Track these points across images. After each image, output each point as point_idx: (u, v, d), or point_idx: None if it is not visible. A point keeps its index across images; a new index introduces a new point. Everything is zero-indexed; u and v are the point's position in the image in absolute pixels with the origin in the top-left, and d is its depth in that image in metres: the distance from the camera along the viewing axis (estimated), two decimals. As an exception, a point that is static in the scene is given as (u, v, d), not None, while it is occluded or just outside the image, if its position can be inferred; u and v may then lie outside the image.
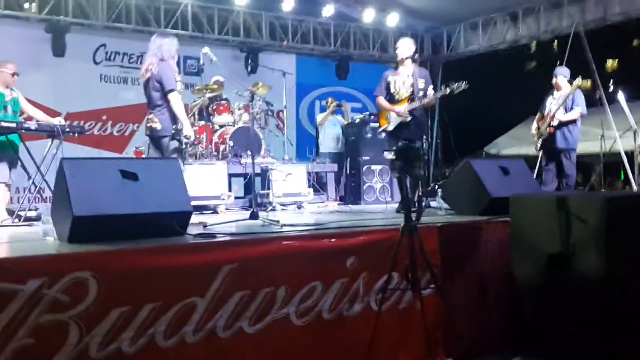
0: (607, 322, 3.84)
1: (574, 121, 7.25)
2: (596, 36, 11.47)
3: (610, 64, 30.21)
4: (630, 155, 9.13)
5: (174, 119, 5.40)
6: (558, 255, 4.05)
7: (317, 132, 10.08)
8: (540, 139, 7.39)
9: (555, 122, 7.22)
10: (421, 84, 6.17)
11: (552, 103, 7.40)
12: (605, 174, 11.24)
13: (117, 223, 3.49)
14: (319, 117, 10.18)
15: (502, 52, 12.95)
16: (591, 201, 4.06)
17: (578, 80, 7.23)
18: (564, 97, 7.24)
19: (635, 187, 8.40)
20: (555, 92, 7.45)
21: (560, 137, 7.25)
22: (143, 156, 8.70)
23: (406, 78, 6.19)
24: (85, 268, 2.84)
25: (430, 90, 6.17)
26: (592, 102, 9.57)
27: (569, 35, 10.49)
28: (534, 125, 7.52)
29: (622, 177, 10.69)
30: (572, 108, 7.23)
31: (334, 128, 9.88)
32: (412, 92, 6.14)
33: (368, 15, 11.98)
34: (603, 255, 3.84)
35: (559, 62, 10.22)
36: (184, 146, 5.52)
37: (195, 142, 5.74)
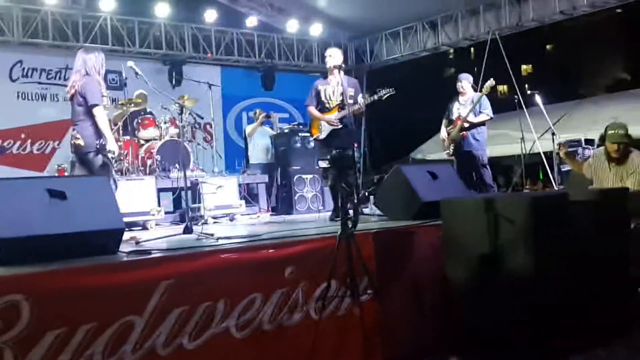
0: (538, 320, 3.99)
1: (482, 124, 7.47)
2: (512, 42, 11.96)
3: (525, 68, 31.53)
4: (549, 156, 9.55)
5: (98, 134, 5.27)
6: (488, 256, 4.17)
7: (247, 144, 10.02)
8: (452, 144, 7.53)
9: (466, 125, 7.37)
10: (351, 92, 6.25)
11: (459, 108, 7.56)
12: (526, 175, 11.71)
13: (47, 243, 3.37)
14: (248, 128, 10.14)
15: (423, 59, 13.32)
16: (517, 202, 4.22)
17: (491, 82, 7.43)
18: (476, 100, 7.41)
19: (555, 187, 8.77)
20: (460, 98, 7.62)
21: (472, 140, 7.43)
22: (66, 174, 8.45)
23: (336, 87, 6.26)
24: (16, 291, 2.73)
25: (360, 99, 6.26)
26: (510, 105, 9.96)
27: (487, 42, 10.89)
28: (443, 131, 7.63)
29: (541, 177, 11.14)
30: (480, 112, 7.44)
31: (263, 139, 9.86)
32: (342, 101, 6.20)
33: (292, 26, 12.07)
34: (531, 254, 3.99)
35: (476, 69, 10.60)
36: (110, 162, 5.39)
37: (120, 158, 5.60)
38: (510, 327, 4.05)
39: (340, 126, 6.18)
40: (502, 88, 25.57)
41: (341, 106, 6.20)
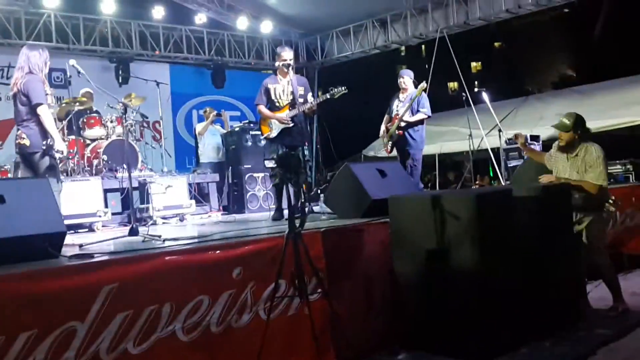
0: (485, 313, 4.06)
1: (420, 123, 7.40)
2: (461, 39, 12.14)
3: (474, 65, 32.08)
4: (496, 152, 9.73)
5: (44, 134, 5.11)
6: (436, 251, 4.23)
7: (197, 142, 9.91)
8: (390, 141, 7.47)
9: (402, 124, 7.30)
10: (301, 90, 6.23)
11: (398, 105, 7.48)
12: (474, 171, 11.92)
13: (-16, 249, 3.26)
14: (198, 126, 10.03)
15: (374, 57, 13.40)
16: (462, 199, 4.29)
17: (423, 84, 7.40)
18: (410, 99, 7.35)
19: (503, 182, 8.94)
20: (400, 94, 7.53)
21: (408, 139, 7.35)
22: (9, 175, 8.18)
23: (286, 86, 6.23)
24: (-50, 299, 2.63)
25: (310, 97, 6.24)
26: (458, 102, 10.11)
27: (434, 40, 11.03)
28: (382, 127, 7.54)
29: (491, 173, 11.34)
30: (418, 111, 7.36)
31: (214, 137, 9.77)
32: (293, 99, 6.19)
33: (242, 23, 11.98)
34: (477, 249, 4.06)
35: (427, 66, 10.73)
36: (56, 162, 5.23)
37: (69, 157, 5.44)
38: (457, 320, 4.12)
39: (292, 124, 6.16)
40: (453, 85, 25.99)
41: (292, 105, 6.18)
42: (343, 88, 6.12)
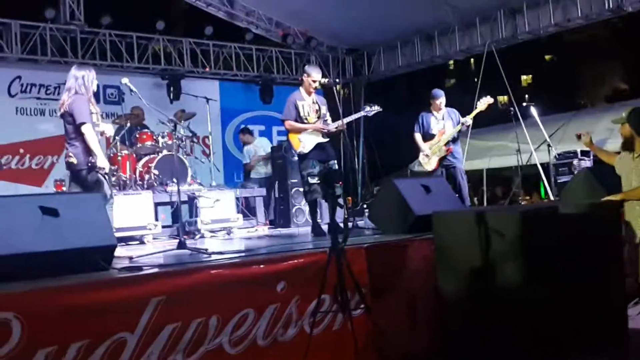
0: (529, 331, 4.01)
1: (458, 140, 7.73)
2: (511, 53, 12.03)
3: (524, 79, 31.63)
4: (545, 167, 9.59)
5: (89, 152, 5.29)
6: (479, 269, 4.20)
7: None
8: (437, 157, 7.60)
9: (450, 139, 7.56)
10: (323, 109, 6.38)
11: (437, 123, 7.68)
12: (523, 186, 11.74)
13: (39, 261, 3.40)
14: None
15: (421, 72, 13.36)
16: (507, 215, 4.25)
17: (490, 99, 7.64)
18: (453, 114, 7.66)
19: (552, 198, 8.80)
20: (435, 112, 7.72)
21: (455, 154, 7.63)
22: (64, 189, 8.48)
23: (312, 104, 6.34)
24: (7, 309, 2.75)
25: (329, 116, 6.37)
26: (507, 117, 10.01)
27: (483, 54, 10.96)
28: (425, 145, 7.67)
29: (542, 190, 11.14)
30: (457, 124, 7.61)
31: (263, 153, 9.96)
32: (319, 117, 6.29)
33: (289, 40, 12.13)
34: (521, 267, 4.01)
35: (476, 79, 10.67)
36: (104, 177, 5.39)
37: (113, 173, 5.59)
38: (500, 338, 4.07)
39: (326, 139, 6.24)
40: (503, 99, 25.68)
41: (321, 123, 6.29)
42: (377, 107, 6.29)
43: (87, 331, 2.97)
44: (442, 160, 7.58)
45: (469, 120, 7.56)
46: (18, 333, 2.75)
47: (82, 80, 5.32)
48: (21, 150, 9.85)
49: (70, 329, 2.93)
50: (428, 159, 7.64)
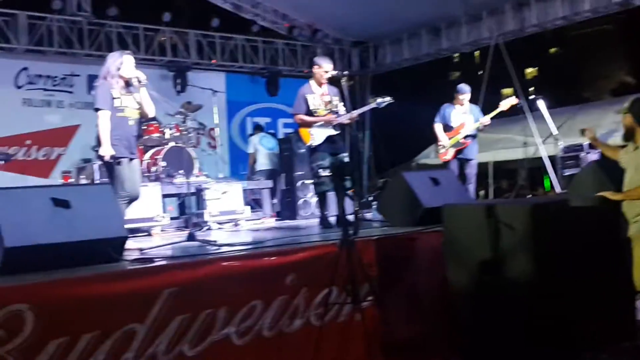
0: (538, 326, 4.00)
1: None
2: (517, 45, 11.96)
3: (530, 72, 31.52)
4: (552, 160, 9.55)
5: (117, 141, 5.18)
6: (489, 262, 4.20)
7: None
8: (453, 148, 7.76)
9: (472, 133, 7.75)
10: (335, 100, 6.31)
11: (458, 116, 7.84)
12: (529, 180, 11.71)
13: (51, 252, 3.43)
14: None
15: (427, 64, 13.32)
16: (518, 208, 4.24)
17: (514, 100, 7.95)
18: (475, 110, 7.87)
19: (558, 191, 8.77)
20: (458, 106, 7.88)
21: (472, 148, 7.83)
22: (71, 180, 8.50)
23: (322, 95, 6.29)
24: (20, 300, 2.78)
25: (342, 107, 6.31)
26: (514, 110, 9.98)
27: (488, 47, 10.91)
28: (444, 136, 7.80)
29: (547, 184, 11.13)
30: (477, 120, 7.83)
31: (268, 145, 9.98)
32: (330, 110, 6.25)
33: (296, 32, 12.11)
34: (531, 261, 4.01)
35: (481, 72, 10.64)
36: (114, 168, 5.27)
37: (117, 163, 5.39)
38: (510, 332, 4.07)
39: (337, 132, 6.22)
40: (508, 91, 25.58)
41: (333, 114, 6.25)
42: (389, 98, 6.21)
43: (98, 322, 3.00)
44: (458, 152, 7.75)
45: (487, 119, 7.74)
46: (31, 324, 2.77)
47: (107, 66, 5.26)
48: (28, 142, 9.86)
49: (82, 320, 2.96)
50: (445, 150, 7.74)
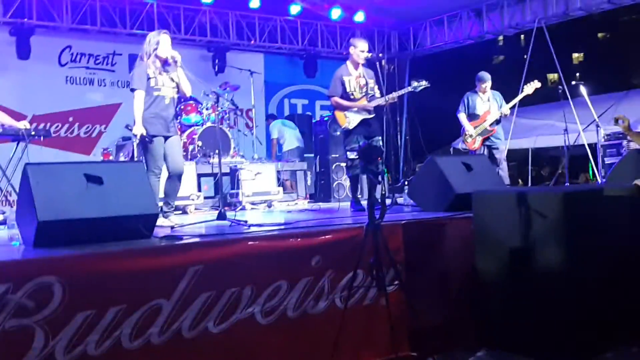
0: (569, 316, 3.94)
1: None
2: (562, 30, 11.69)
3: (576, 57, 30.74)
4: (593, 148, 9.35)
5: (150, 119, 5.24)
6: (519, 250, 4.14)
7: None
8: (481, 136, 7.75)
9: (497, 119, 7.77)
10: (371, 83, 6.27)
11: (482, 104, 7.82)
12: (571, 167, 11.49)
13: (83, 227, 3.51)
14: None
15: (469, 47, 13.11)
16: (550, 196, 4.17)
17: (537, 83, 7.80)
18: (498, 97, 7.86)
19: (599, 180, 8.60)
20: (482, 94, 7.84)
21: (499, 134, 7.86)
22: (111, 157, 8.68)
23: (359, 78, 6.24)
24: (50, 273, 2.85)
25: (377, 90, 6.26)
26: (555, 95, 9.78)
27: (532, 30, 10.68)
28: (469, 125, 7.77)
29: (591, 172, 10.90)
30: (500, 106, 7.83)
31: (294, 131, 10.11)
32: (366, 92, 6.21)
33: (335, 13, 12.03)
34: (562, 249, 3.94)
35: (525, 56, 10.43)
36: (149, 146, 5.34)
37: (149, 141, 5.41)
38: (540, 321, 4.02)
39: (372, 115, 6.19)
40: (552, 77, 25.03)
41: (369, 97, 6.20)
42: (425, 82, 6.16)
43: (125, 297, 3.06)
44: (485, 140, 7.75)
45: (506, 110, 7.74)
46: (59, 296, 2.85)
47: (145, 46, 5.31)
48: (70, 119, 10.08)
49: (109, 294, 3.02)
50: (472, 139, 7.69)
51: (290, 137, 9.96)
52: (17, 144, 6.21)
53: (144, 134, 5.09)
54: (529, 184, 12.44)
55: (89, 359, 2.93)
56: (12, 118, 6.52)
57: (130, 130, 5.38)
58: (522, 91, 7.87)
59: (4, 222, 5.78)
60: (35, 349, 2.79)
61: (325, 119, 9.52)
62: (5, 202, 7.54)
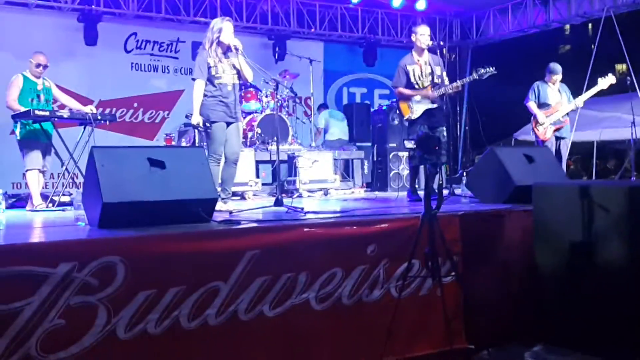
0: (629, 313, 3.84)
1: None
2: (633, 19, 11.25)
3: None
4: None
5: (209, 107, 5.36)
6: (581, 245, 4.04)
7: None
8: (552, 127, 7.55)
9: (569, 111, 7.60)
10: (437, 70, 6.16)
11: (554, 94, 7.60)
12: (637, 160, 11.09)
13: (145, 209, 3.61)
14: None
15: (532, 36, 12.78)
16: (614, 190, 4.05)
17: (613, 78, 7.54)
18: (566, 90, 7.67)
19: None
20: (552, 84, 7.63)
21: (569, 126, 7.72)
22: (173, 143, 8.87)
23: (424, 66, 6.16)
24: (114, 253, 2.95)
25: (445, 77, 6.16)
26: (623, 87, 9.45)
27: (600, 19, 10.33)
28: (542, 114, 7.53)
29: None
30: (569, 99, 7.65)
31: (342, 122, 10.06)
32: (432, 80, 6.12)
33: (396, 1, 11.92)
34: (626, 245, 3.83)
35: (592, 46, 10.10)
36: (207, 134, 5.45)
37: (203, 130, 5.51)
38: (600, 318, 3.92)
39: (436, 105, 6.10)
40: (621, 67, 24.15)
41: (433, 86, 6.10)
42: (492, 68, 5.98)
43: (185, 278, 3.14)
44: (556, 130, 7.55)
45: (580, 103, 7.54)
46: (122, 275, 2.95)
47: (207, 34, 5.39)
48: (135, 104, 10.36)
49: (170, 275, 3.11)
50: (544, 128, 7.50)
51: (334, 128, 9.95)
52: (84, 128, 6.43)
53: (200, 124, 5.20)
54: (594, 177, 12.08)
55: (149, 337, 3.03)
56: (80, 103, 6.76)
57: (189, 118, 5.50)
58: (597, 84, 7.56)
59: (70, 203, 6.01)
60: (98, 325, 2.90)
61: (384, 108, 9.48)
62: (72, 184, 7.83)
